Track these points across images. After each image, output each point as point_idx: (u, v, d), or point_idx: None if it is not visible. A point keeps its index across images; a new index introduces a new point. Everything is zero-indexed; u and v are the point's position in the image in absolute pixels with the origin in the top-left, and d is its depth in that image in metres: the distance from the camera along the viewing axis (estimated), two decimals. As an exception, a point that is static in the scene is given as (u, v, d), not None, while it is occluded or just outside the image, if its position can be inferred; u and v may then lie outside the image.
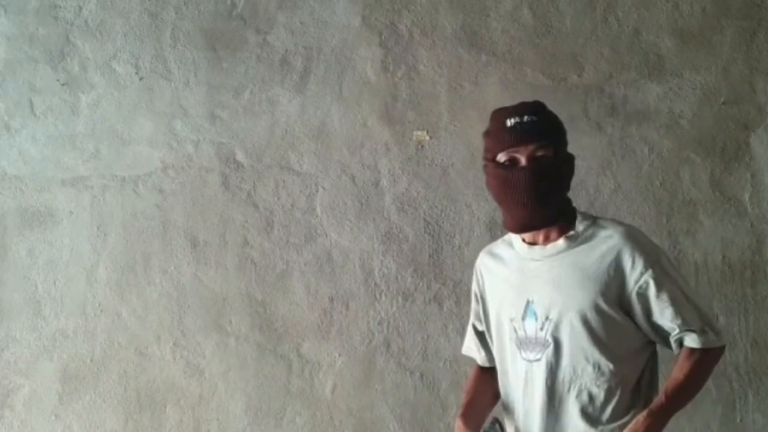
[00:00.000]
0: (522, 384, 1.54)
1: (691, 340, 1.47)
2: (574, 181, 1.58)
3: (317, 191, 2.38)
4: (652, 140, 2.31)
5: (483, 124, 2.31)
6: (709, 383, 2.21)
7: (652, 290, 1.46)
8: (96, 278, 2.39)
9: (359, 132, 2.39)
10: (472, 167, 2.32)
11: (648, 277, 1.45)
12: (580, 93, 2.33)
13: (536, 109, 1.52)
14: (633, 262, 1.45)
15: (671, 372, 1.49)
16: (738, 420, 2.22)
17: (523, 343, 1.53)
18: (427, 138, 2.37)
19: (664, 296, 1.46)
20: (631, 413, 1.46)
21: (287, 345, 2.33)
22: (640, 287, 1.46)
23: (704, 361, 1.48)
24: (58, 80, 2.47)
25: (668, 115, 2.32)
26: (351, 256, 2.35)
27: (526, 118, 1.48)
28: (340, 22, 2.43)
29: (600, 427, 1.46)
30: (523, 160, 1.48)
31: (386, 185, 2.37)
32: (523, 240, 1.57)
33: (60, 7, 2.49)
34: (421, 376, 2.29)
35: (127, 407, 2.34)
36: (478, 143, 2.31)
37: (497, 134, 1.52)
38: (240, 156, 2.41)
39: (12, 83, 2.48)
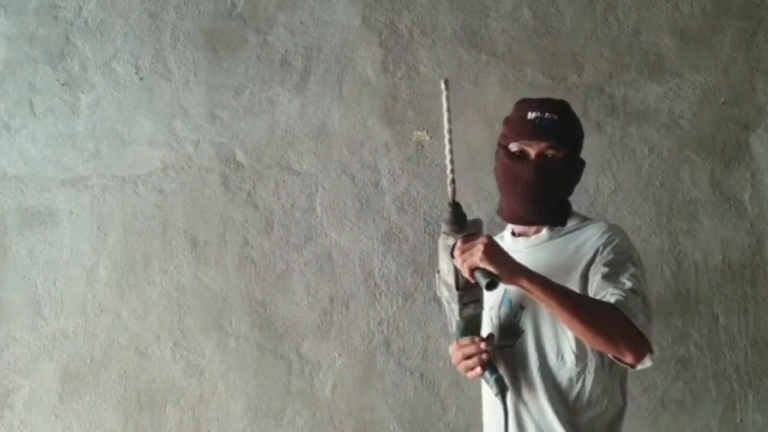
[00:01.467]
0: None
1: (610, 295, 1.35)
2: (575, 182, 1.59)
3: (317, 191, 2.38)
4: (652, 140, 2.31)
5: (483, 124, 2.35)
6: (710, 383, 2.22)
7: (602, 275, 1.40)
8: (96, 278, 2.39)
9: (359, 132, 2.39)
10: (472, 168, 2.31)
11: (602, 260, 1.41)
12: (580, 93, 2.33)
13: (559, 108, 1.53)
14: (602, 254, 1.44)
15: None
16: (738, 420, 2.22)
17: (495, 331, 1.54)
18: (427, 138, 2.37)
19: (611, 273, 1.39)
20: (598, 407, 1.44)
21: (287, 345, 2.33)
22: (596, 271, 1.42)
23: (608, 313, 1.32)
24: (58, 80, 2.47)
25: (668, 115, 2.32)
26: (351, 256, 2.35)
27: (547, 115, 1.49)
28: (340, 22, 2.43)
29: (566, 416, 1.44)
30: (532, 155, 1.49)
31: (386, 185, 2.36)
32: (513, 232, 1.61)
33: (60, 7, 2.49)
34: (421, 376, 2.29)
35: (127, 407, 2.34)
36: (478, 143, 2.33)
37: (516, 124, 1.53)
38: (240, 156, 2.41)
39: (12, 83, 2.48)
